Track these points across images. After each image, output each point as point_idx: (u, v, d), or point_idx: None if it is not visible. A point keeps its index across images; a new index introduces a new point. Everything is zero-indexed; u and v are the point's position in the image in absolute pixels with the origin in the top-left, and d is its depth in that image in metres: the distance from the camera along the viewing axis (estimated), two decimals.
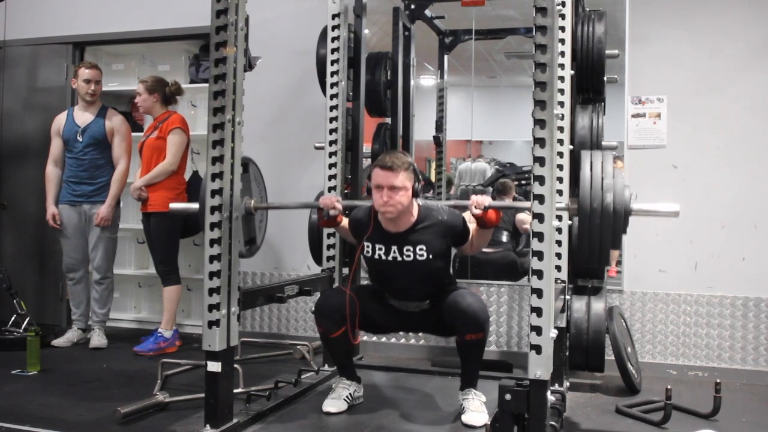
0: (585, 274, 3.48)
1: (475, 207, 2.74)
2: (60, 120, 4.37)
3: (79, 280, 4.36)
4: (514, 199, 4.65)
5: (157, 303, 4.83)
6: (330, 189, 3.60)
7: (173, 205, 3.17)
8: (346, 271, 3.61)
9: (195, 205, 2.92)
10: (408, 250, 2.88)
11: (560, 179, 3.02)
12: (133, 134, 4.48)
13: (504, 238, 4.49)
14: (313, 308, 2.97)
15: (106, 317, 4.38)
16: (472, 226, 2.92)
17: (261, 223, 3.16)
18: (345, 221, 3.11)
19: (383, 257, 2.92)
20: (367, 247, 2.96)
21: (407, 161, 2.84)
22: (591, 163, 2.51)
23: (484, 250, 4.39)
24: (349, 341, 2.99)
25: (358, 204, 3.14)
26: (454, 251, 3.07)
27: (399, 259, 2.90)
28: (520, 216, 4.41)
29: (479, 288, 2.89)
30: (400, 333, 4.20)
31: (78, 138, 4.27)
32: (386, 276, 2.99)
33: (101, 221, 4.22)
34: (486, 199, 2.75)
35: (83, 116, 4.32)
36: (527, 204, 2.30)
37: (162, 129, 4.20)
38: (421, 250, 2.87)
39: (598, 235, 2.43)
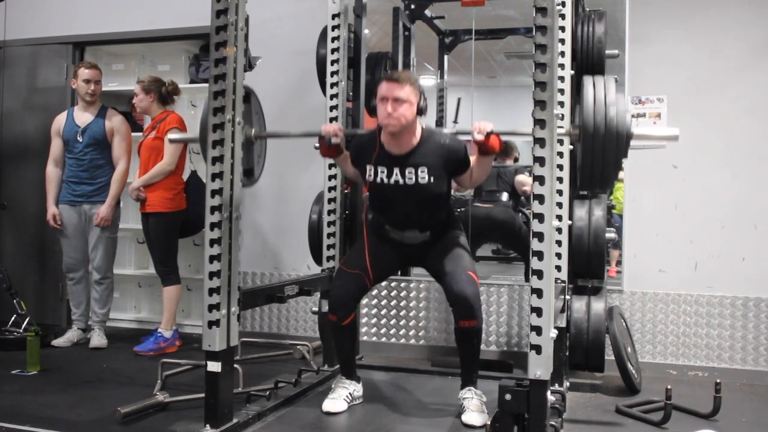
0: (585, 274, 3.48)
1: (478, 132, 2.71)
2: (60, 120, 4.37)
3: (79, 280, 4.37)
4: (515, 160, 4.72)
5: (157, 303, 4.83)
6: (330, 189, 3.60)
7: (171, 135, 3.14)
8: None
9: (195, 136, 2.91)
10: (410, 173, 2.87)
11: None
12: (133, 134, 4.48)
13: (504, 197, 4.55)
14: (323, 305, 2.96)
15: (106, 317, 4.38)
16: (473, 158, 2.91)
17: (259, 158, 3.13)
18: (346, 153, 3.11)
19: (385, 180, 2.91)
20: (370, 170, 2.95)
21: (413, 77, 2.84)
22: (594, 84, 2.50)
23: (483, 205, 4.46)
24: (357, 328, 2.97)
25: (361, 133, 3.14)
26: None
27: (401, 182, 2.89)
28: (520, 178, 4.48)
29: (480, 285, 2.87)
30: (401, 333, 4.21)
31: (78, 138, 4.27)
32: (387, 201, 2.98)
33: (101, 221, 4.22)
34: (488, 125, 2.72)
35: (83, 116, 4.32)
36: (528, 130, 2.29)
37: (159, 129, 4.19)
38: (422, 172, 2.86)
39: (600, 156, 2.41)
